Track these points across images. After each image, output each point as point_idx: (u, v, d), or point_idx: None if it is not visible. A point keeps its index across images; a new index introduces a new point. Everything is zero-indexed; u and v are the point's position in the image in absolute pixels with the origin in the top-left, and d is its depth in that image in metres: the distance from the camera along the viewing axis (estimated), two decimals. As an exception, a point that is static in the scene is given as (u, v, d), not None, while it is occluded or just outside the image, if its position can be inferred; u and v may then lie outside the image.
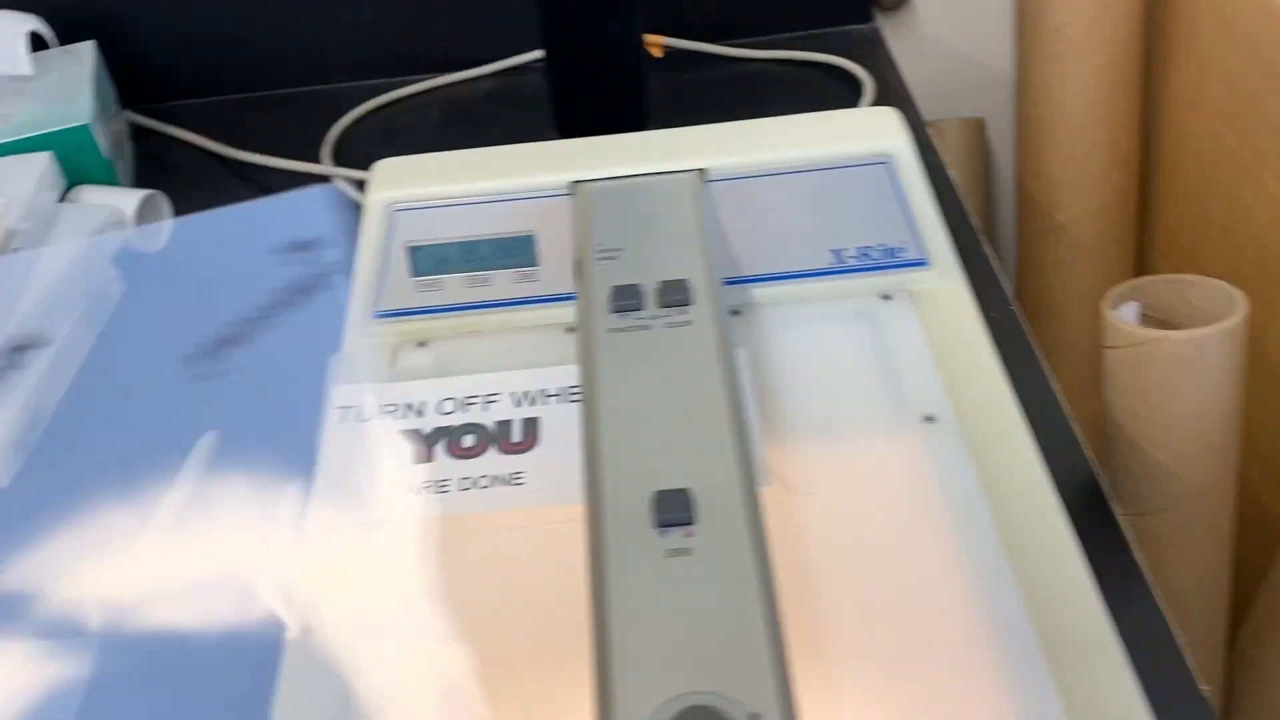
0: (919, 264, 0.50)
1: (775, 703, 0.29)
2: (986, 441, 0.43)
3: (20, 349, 0.59)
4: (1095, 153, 0.71)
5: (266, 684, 0.39)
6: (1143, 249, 0.76)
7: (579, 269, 0.44)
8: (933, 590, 0.38)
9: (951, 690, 0.36)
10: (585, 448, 0.37)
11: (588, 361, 0.40)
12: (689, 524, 0.34)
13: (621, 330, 0.40)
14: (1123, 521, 0.47)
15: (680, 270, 0.42)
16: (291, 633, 0.40)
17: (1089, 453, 0.49)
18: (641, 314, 0.41)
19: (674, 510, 0.34)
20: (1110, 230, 0.73)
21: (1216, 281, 0.47)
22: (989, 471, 0.42)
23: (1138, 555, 0.45)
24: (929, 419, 0.44)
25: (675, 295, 0.41)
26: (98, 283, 0.65)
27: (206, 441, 0.56)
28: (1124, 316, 0.48)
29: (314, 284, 0.51)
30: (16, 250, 0.60)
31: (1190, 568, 0.50)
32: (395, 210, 0.48)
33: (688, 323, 0.40)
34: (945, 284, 0.50)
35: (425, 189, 0.48)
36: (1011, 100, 0.79)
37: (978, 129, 0.81)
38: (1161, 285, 0.48)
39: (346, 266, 0.50)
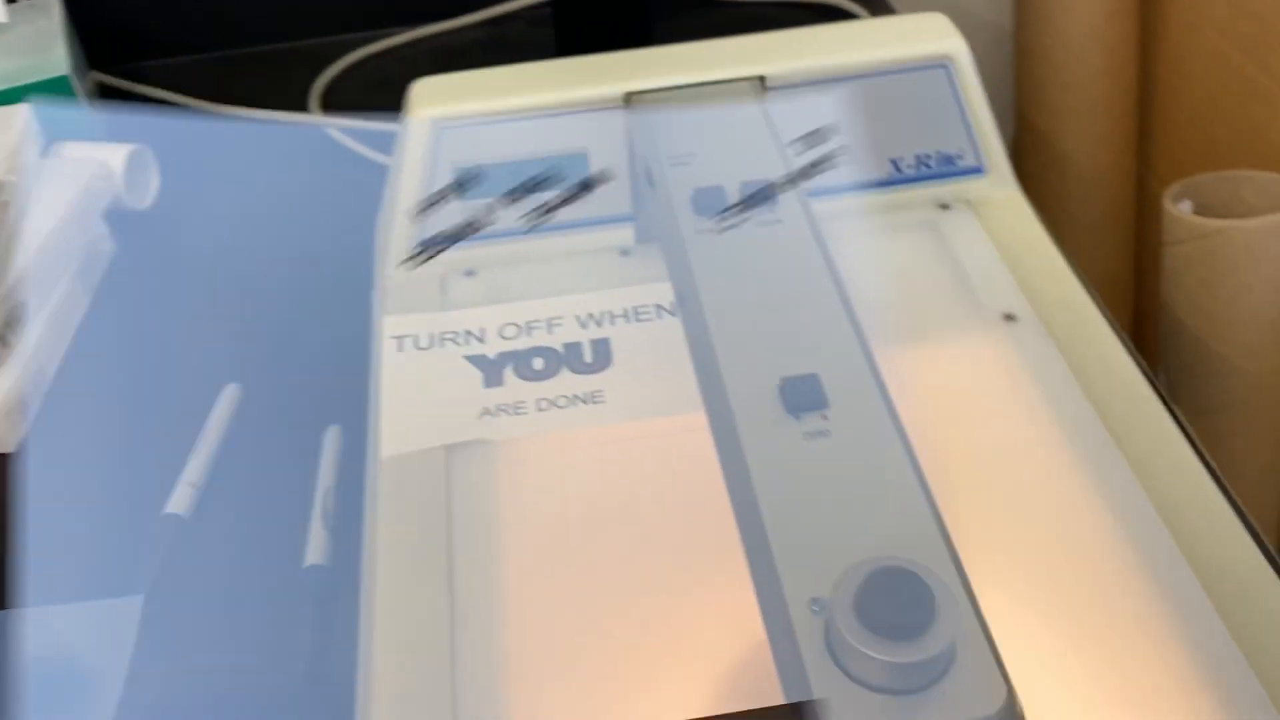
0: (976, 171, 0.49)
1: (950, 564, 0.28)
2: (1070, 337, 0.43)
3: (16, 309, 0.55)
4: (1097, 79, 0.71)
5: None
6: (1141, 179, 0.77)
7: (650, 177, 0.42)
8: (1050, 481, 0.38)
9: (1085, 577, 0.35)
10: (695, 347, 0.36)
11: (681, 265, 0.38)
12: (823, 407, 0.32)
13: (711, 231, 0.39)
14: (1187, 423, 0.47)
15: (760, 171, 0.41)
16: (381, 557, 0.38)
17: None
18: (728, 215, 0.39)
19: (805, 395, 0.32)
20: (1114, 158, 0.73)
21: (1273, 174, 0.47)
22: (1077, 365, 0.42)
23: (1208, 456, 0.45)
24: (1009, 317, 0.44)
25: (761, 195, 0.40)
26: (90, 240, 0.62)
27: (229, 393, 0.53)
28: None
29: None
30: (3, 203, 0.57)
31: (1251, 465, 0.50)
32: (441, 128, 0.46)
33: (778, 220, 0.39)
34: (1002, 192, 0.49)
35: (471, 105, 0.46)
36: (1010, 33, 0.79)
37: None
38: (1214, 183, 0.48)
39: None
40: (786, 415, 0.32)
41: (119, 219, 0.65)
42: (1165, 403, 0.41)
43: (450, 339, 0.45)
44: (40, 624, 0.43)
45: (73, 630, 0.43)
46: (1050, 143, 0.74)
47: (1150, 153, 0.76)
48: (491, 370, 0.44)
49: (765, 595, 0.29)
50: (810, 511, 0.29)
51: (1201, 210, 0.49)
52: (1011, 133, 0.79)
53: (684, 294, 0.38)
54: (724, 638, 0.35)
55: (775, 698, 0.27)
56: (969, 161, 0.49)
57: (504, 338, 0.45)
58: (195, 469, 0.49)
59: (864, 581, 0.26)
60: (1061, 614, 0.34)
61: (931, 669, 0.25)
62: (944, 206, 0.49)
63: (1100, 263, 0.77)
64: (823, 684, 0.26)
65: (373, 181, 0.55)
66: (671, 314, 0.45)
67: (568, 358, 0.44)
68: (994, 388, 0.41)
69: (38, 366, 0.55)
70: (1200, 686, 0.32)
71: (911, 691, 0.25)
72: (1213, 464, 0.39)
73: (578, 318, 0.45)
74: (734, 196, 0.40)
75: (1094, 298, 0.44)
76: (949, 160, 0.49)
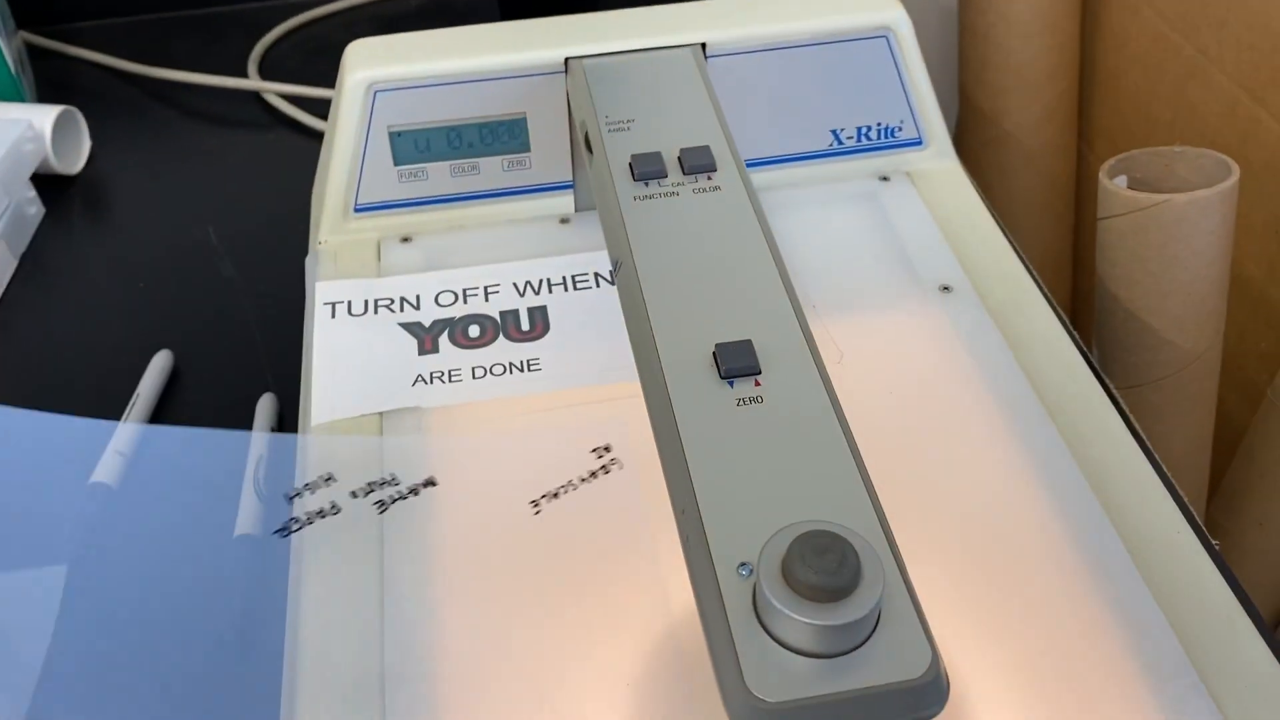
0: (915, 144, 0.49)
1: (878, 530, 0.28)
2: (1006, 309, 0.43)
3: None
4: (1040, 58, 0.72)
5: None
6: (1081, 156, 0.77)
7: (588, 142, 0.42)
8: (981, 449, 0.38)
9: (1014, 545, 0.35)
10: (629, 313, 0.35)
11: (615, 230, 0.38)
12: (756, 373, 0.32)
13: (648, 198, 0.38)
14: (1119, 395, 0.47)
15: (699, 138, 0.41)
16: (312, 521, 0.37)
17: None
18: (665, 182, 0.39)
19: (738, 361, 0.32)
20: (1055, 137, 0.74)
21: (1206, 150, 0.47)
22: (1012, 336, 0.42)
23: (1141, 435, 0.46)
24: (945, 289, 0.44)
25: (699, 161, 0.39)
26: (16, 203, 0.60)
27: (160, 360, 0.52)
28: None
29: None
30: (-75, 165, 0.55)
31: (1179, 437, 0.51)
32: (376, 91, 0.45)
33: (716, 188, 0.39)
34: (941, 164, 0.50)
35: (408, 68, 0.45)
36: (954, 10, 0.80)
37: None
38: (1149, 158, 0.49)
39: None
40: (719, 381, 0.32)
41: (48, 182, 0.63)
42: (1097, 374, 0.41)
43: (385, 305, 0.44)
44: (-42, 594, 0.42)
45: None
46: (993, 121, 0.75)
47: (1091, 132, 0.76)
48: (426, 337, 0.43)
49: (694, 560, 0.28)
50: (740, 477, 0.29)
51: (1137, 186, 0.50)
52: (956, 112, 0.80)
53: (619, 260, 0.37)
54: (653, 605, 0.35)
55: (703, 662, 0.27)
56: (909, 133, 0.49)
57: (440, 304, 0.44)
58: (124, 436, 0.48)
59: (790, 545, 0.26)
60: (989, 581, 0.34)
61: (856, 632, 0.25)
62: (884, 178, 0.49)
63: (1040, 241, 0.77)
64: (749, 647, 0.26)
65: (312, 149, 0.54)
66: (610, 282, 0.45)
67: (504, 325, 0.43)
68: (928, 357, 0.41)
69: (-41, 333, 0.53)
70: (1124, 651, 0.32)
71: (837, 654, 0.25)
72: (1142, 434, 0.40)
73: (515, 285, 0.45)
74: (672, 163, 0.40)
75: (1030, 271, 0.45)
76: (889, 132, 0.49)
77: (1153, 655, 0.32)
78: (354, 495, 0.38)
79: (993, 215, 0.47)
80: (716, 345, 0.33)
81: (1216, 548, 0.37)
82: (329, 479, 0.39)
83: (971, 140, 0.78)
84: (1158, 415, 0.50)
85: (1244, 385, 0.63)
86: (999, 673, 0.32)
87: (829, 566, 0.26)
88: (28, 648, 0.39)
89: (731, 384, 0.32)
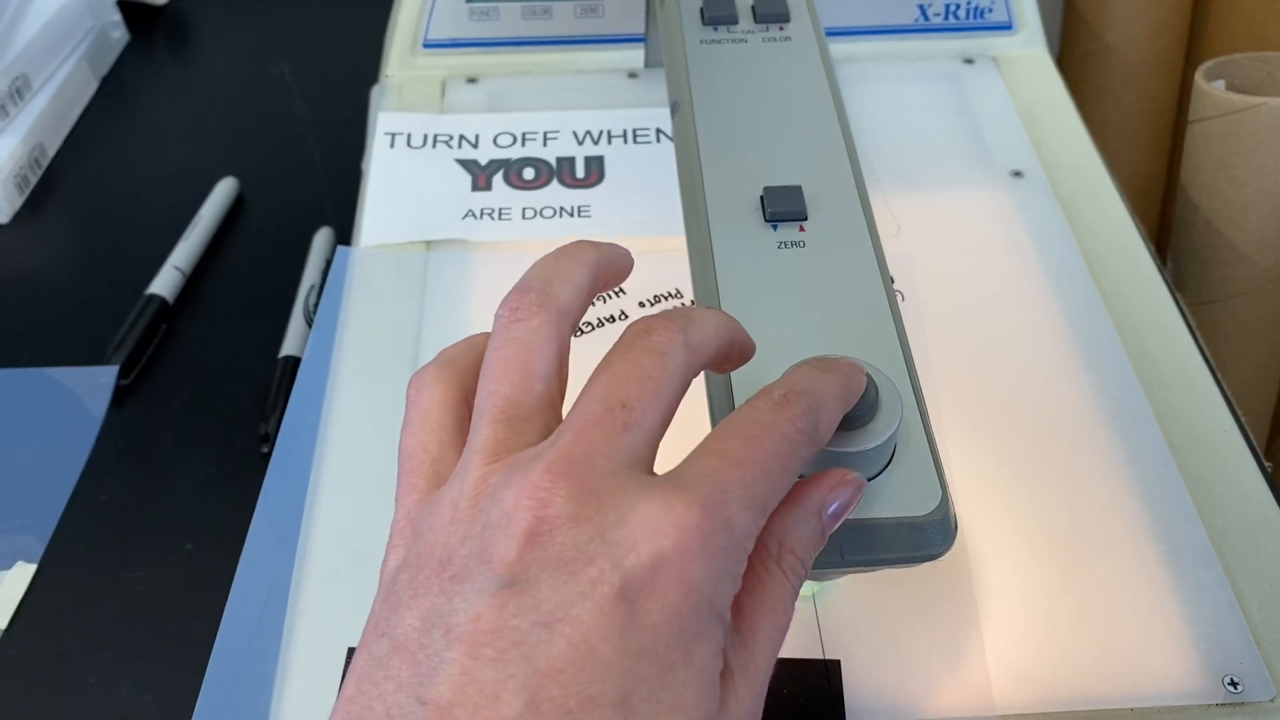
0: (1004, 28, 0.47)
1: (903, 368, 0.27)
2: (1075, 198, 0.42)
3: (18, 84, 0.54)
4: (1153, -31, 0.68)
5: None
6: (1186, 78, 0.74)
7: (661, -13, 0.41)
8: (1030, 331, 0.37)
9: (1052, 422, 0.34)
10: (680, 154, 0.35)
11: (678, 72, 0.37)
12: (802, 219, 0.31)
13: (715, 42, 0.37)
14: (1188, 311, 0.46)
15: (775, -13, 0.39)
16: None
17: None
18: (736, 28, 0.38)
19: (785, 205, 0.32)
20: (1160, 54, 0.70)
21: (1315, 58, 0.45)
22: (1080, 226, 0.41)
23: (1202, 345, 0.44)
24: (1017, 174, 0.42)
25: (773, 9, 0.38)
26: (101, 25, 0.61)
27: (225, 186, 0.52)
28: (1213, 92, 0.46)
29: None
30: (14, -24, 0.56)
31: (1246, 361, 0.49)
32: (455, -77, 0.45)
33: (787, 38, 0.38)
34: (1030, 50, 0.48)
35: (488, -98, 0.44)
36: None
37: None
38: (1251, 63, 0.46)
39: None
40: (764, 224, 0.31)
41: (136, 10, 0.64)
42: (1159, 269, 0.39)
43: (443, 140, 0.44)
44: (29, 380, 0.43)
45: (58, 387, 0.43)
46: (1096, 33, 0.71)
47: (1199, 52, 0.73)
48: (481, 175, 0.43)
49: (713, 388, 0.28)
50: (771, 314, 0.29)
51: (1234, 91, 0.47)
52: (1060, 21, 0.76)
53: (678, 101, 0.37)
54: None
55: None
56: (999, 16, 0.47)
57: (497, 145, 0.44)
58: (183, 254, 0.49)
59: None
60: (1022, 450, 0.33)
61: (868, 463, 0.25)
62: (968, 60, 0.47)
63: (1133, 162, 0.74)
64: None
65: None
66: (670, 139, 0.44)
67: (559, 170, 0.43)
68: (988, 238, 0.40)
69: (38, 142, 0.54)
70: (1149, 535, 0.31)
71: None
72: (1200, 340, 0.38)
73: (575, 134, 0.44)
74: (745, 9, 0.38)
75: (1107, 165, 0.43)
76: (978, 13, 0.47)
77: (1178, 541, 0.31)
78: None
79: (1075, 106, 0.45)
80: (765, 189, 0.32)
81: (1269, 469, 0.36)
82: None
83: (1073, 51, 0.75)
84: (1226, 335, 0.48)
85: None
86: (1016, 532, 0.31)
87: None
88: (81, 438, 0.41)
89: (775, 227, 0.31)
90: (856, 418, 0.25)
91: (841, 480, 0.23)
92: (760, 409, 0.21)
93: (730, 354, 0.24)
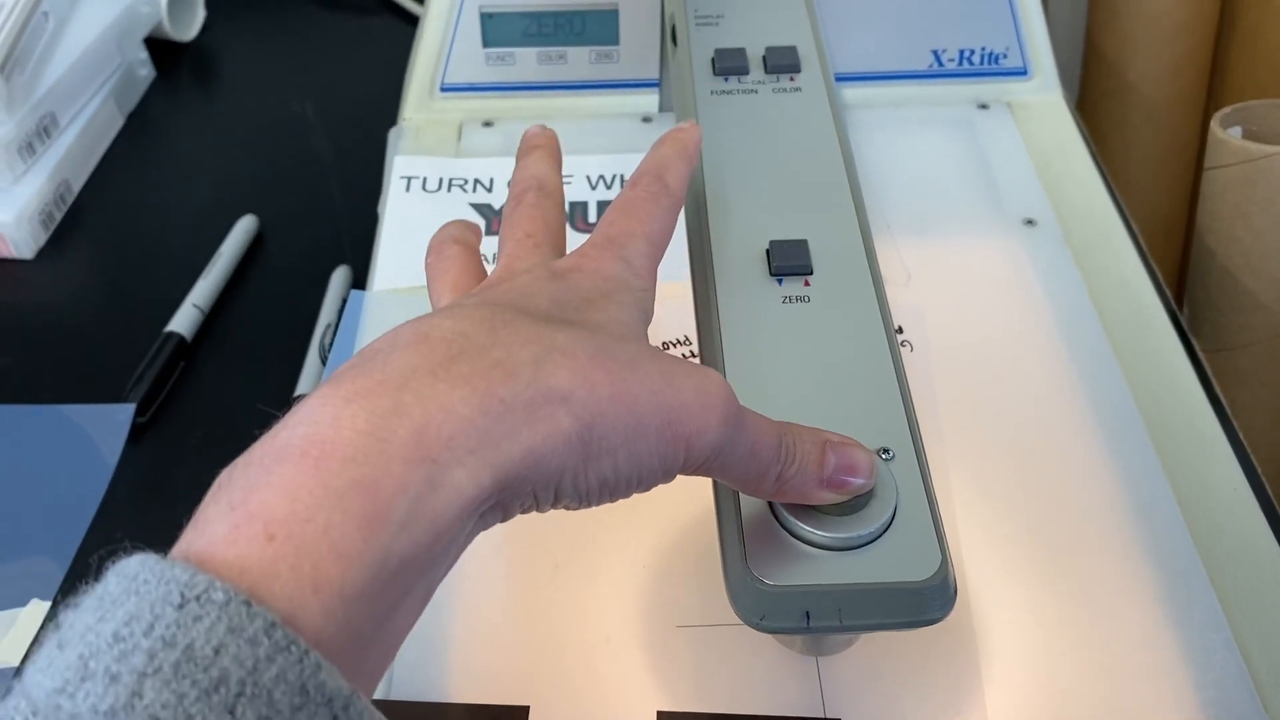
0: (1019, 73, 0.47)
1: (906, 433, 0.27)
2: (1088, 247, 0.41)
3: (45, 122, 0.55)
4: (1173, 10, 0.68)
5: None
6: (1207, 115, 0.73)
7: (675, 35, 0.41)
8: (1036, 378, 0.37)
9: (1055, 477, 0.34)
10: (688, 204, 0.35)
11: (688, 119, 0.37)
12: (808, 273, 0.31)
13: (726, 93, 0.38)
14: (1204, 357, 0.45)
15: (787, 37, 0.40)
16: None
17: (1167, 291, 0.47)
18: (746, 79, 0.38)
19: (791, 259, 0.32)
20: (1182, 91, 0.70)
21: (1333, 106, 0.44)
22: (1092, 276, 0.40)
23: (1218, 393, 0.43)
24: (1029, 222, 0.42)
25: (783, 61, 0.38)
26: (128, 63, 0.62)
27: (245, 224, 0.53)
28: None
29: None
30: (44, 14, 0.57)
31: (1262, 409, 0.49)
32: (472, -30, 0.45)
33: (797, 89, 0.38)
34: (1045, 96, 0.48)
35: (505, -51, 0.45)
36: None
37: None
38: (1268, 110, 0.46)
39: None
40: (769, 278, 0.32)
41: (161, 47, 0.65)
42: (1178, 327, 0.39)
43: (459, 184, 0.45)
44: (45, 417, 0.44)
45: (74, 425, 0.44)
46: (1117, 71, 0.71)
47: (1221, 91, 0.72)
48: (495, 219, 0.43)
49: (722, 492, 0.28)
50: (773, 372, 0.29)
51: (1252, 139, 0.47)
52: (1080, 59, 0.76)
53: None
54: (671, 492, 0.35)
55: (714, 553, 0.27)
56: (1013, 62, 0.47)
57: (512, 189, 0.44)
58: (202, 292, 0.49)
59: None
60: (1026, 505, 0.33)
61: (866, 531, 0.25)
62: (983, 106, 0.47)
63: (1153, 200, 0.74)
64: (760, 537, 0.25)
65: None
66: (684, 184, 0.45)
67: (571, 216, 0.43)
68: (998, 287, 0.40)
69: (64, 179, 0.55)
70: (1158, 598, 0.31)
71: (846, 548, 0.25)
72: (1217, 390, 0.38)
73: (588, 178, 0.45)
74: (756, 60, 0.39)
75: (1122, 212, 0.43)
76: (993, 58, 0.47)
77: (1186, 603, 0.31)
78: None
79: (1091, 154, 0.45)
80: (770, 242, 0.32)
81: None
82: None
83: (1094, 90, 0.75)
84: (1243, 382, 0.48)
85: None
86: (1021, 589, 0.31)
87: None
88: (101, 469, 0.41)
89: (780, 281, 0.31)
90: (851, 505, 0.25)
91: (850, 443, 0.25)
92: (626, 194, 0.29)
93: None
